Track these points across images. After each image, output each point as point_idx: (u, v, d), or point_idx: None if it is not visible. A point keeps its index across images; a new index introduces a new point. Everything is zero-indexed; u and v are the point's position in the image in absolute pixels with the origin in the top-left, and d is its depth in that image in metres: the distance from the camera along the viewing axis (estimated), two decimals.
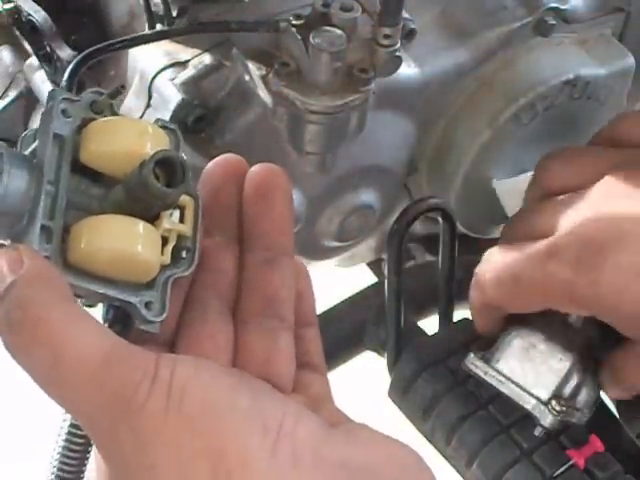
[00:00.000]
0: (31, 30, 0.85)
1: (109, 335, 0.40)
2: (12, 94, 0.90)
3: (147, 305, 0.43)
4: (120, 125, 0.44)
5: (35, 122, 0.91)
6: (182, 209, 0.45)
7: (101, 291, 0.42)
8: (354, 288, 1.03)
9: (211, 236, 0.46)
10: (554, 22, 0.89)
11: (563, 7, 0.90)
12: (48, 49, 0.84)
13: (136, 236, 0.42)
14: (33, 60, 0.87)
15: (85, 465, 0.44)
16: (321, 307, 1.02)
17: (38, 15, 0.84)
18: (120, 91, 0.53)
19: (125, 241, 0.42)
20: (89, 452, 0.44)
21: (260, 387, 0.40)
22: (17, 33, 0.89)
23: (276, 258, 0.46)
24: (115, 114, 0.45)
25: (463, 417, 0.82)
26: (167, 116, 0.79)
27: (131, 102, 0.83)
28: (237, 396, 0.39)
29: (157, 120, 0.46)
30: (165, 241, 0.44)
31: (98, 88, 0.46)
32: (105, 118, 0.44)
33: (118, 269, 0.42)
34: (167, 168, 0.42)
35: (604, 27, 0.94)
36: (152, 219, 0.44)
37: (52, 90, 0.45)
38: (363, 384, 1.33)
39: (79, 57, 0.71)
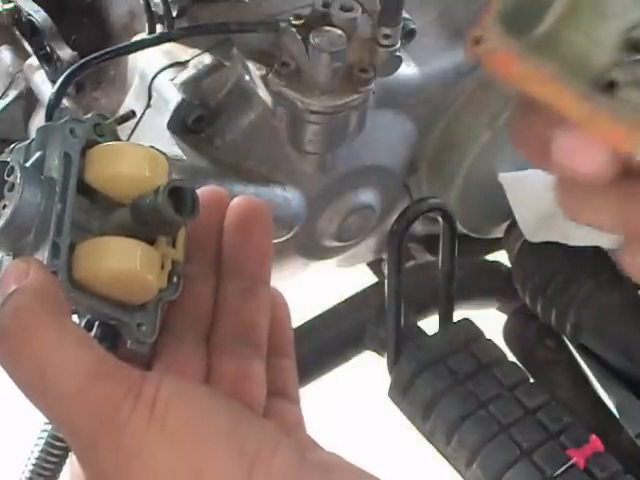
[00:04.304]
0: (31, 30, 0.85)
1: (97, 350, 0.40)
2: (12, 94, 0.90)
3: (138, 326, 0.44)
4: (127, 150, 0.45)
5: (35, 123, 0.91)
6: (174, 235, 0.45)
7: (100, 309, 0.43)
8: (354, 288, 1.03)
9: (190, 263, 0.47)
10: None
11: None
12: (48, 49, 0.84)
13: (141, 258, 0.43)
14: (33, 60, 0.87)
15: (59, 473, 0.44)
16: (321, 307, 1.02)
17: (38, 15, 0.84)
18: (130, 116, 0.53)
19: (130, 262, 0.43)
20: (64, 462, 0.44)
21: (241, 411, 0.41)
22: (17, 33, 0.89)
23: (253, 288, 0.47)
24: (117, 139, 0.46)
25: (463, 417, 0.82)
26: (167, 116, 0.79)
27: (131, 102, 0.83)
28: (218, 418, 0.39)
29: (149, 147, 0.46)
30: (161, 265, 0.44)
31: (102, 112, 0.46)
32: (112, 142, 0.45)
33: (119, 289, 0.43)
34: (175, 196, 0.43)
35: None
36: (149, 243, 0.45)
37: (60, 109, 0.45)
38: (363, 384, 1.33)
39: (65, 74, 0.71)
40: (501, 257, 1.06)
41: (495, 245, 1.05)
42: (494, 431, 0.80)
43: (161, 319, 0.45)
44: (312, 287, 1.11)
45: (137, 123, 0.81)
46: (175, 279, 0.45)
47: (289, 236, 0.86)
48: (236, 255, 0.47)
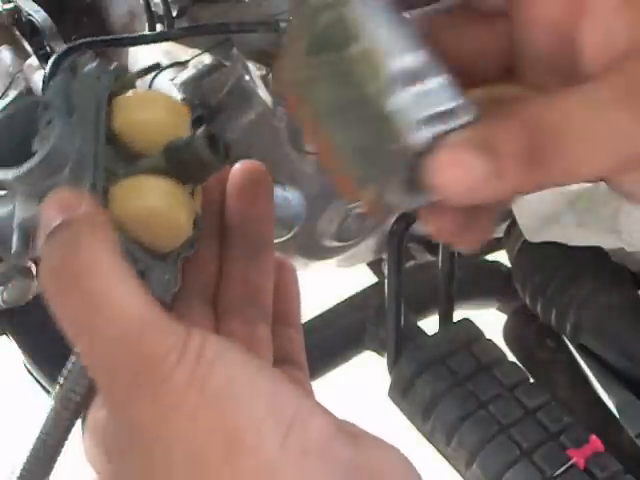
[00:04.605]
0: (31, 30, 0.85)
1: (148, 298, 0.39)
2: (12, 94, 0.90)
3: (163, 275, 0.44)
4: (155, 97, 0.45)
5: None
6: (192, 191, 0.46)
7: (133, 251, 0.42)
8: (354, 288, 1.03)
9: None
10: None
11: None
12: (48, 49, 0.84)
13: (177, 197, 0.43)
14: (33, 60, 0.87)
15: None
16: (321, 307, 1.02)
17: (38, 15, 0.84)
18: (154, 68, 0.54)
19: (167, 201, 0.42)
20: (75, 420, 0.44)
21: (279, 376, 0.40)
22: (17, 33, 0.89)
23: (257, 251, 0.47)
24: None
25: (463, 417, 0.82)
26: None
27: None
28: (259, 380, 0.39)
29: None
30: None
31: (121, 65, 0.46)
32: (139, 90, 0.45)
33: (152, 230, 0.43)
34: (208, 142, 0.43)
35: None
36: None
37: (85, 57, 0.45)
38: (363, 384, 1.33)
39: (57, 54, 0.72)
40: (501, 257, 1.06)
41: (495, 245, 1.05)
42: (494, 431, 0.80)
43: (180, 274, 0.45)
44: (312, 287, 1.11)
45: None
46: (194, 232, 0.45)
47: (289, 236, 0.86)
48: (240, 219, 0.47)
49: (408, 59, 0.40)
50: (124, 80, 0.45)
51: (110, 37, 0.76)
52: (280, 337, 0.46)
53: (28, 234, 0.43)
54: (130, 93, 0.45)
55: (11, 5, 0.87)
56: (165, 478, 0.38)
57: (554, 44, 0.42)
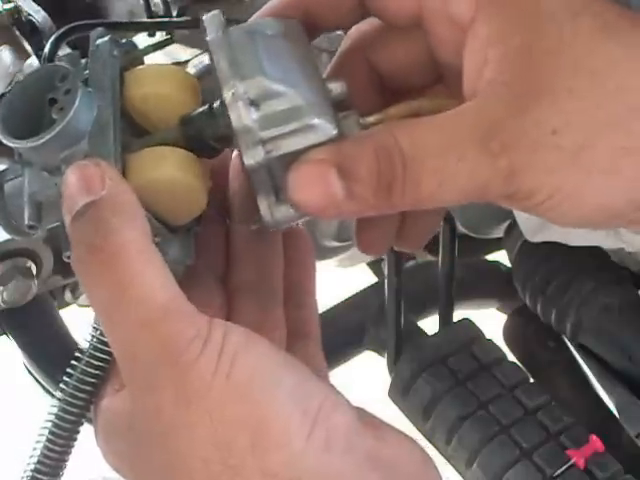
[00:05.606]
0: (31, 30, 0.85)
1: (174, 285, 0.40)
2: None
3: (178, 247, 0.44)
4: (169, 71, 0.45)
5: None
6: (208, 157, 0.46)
7: (151, 222, 0.42)
8: (354, 288, 1.03)
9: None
10: None
11: None
12: None
13: (196, 168, 0.43)
14: (33, 60, 0.87)
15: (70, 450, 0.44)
16: (321, 307, 1.02)
17: (38, 15, 0.84)
18: (169, 42, 0.52)
19: (186, 170, 0.42)
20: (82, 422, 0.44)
21: (303, 369, 0.41)
22: (17, 33, 0.89)
23: (264, 232, 0.47)
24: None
25: (463, 417, 0.82)
26: None
27: None
28: (283, 374, 0.39)
29: None
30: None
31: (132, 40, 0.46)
32: (150, 64, 0.45)
33: (170, 200, 0.42)
34: None
35: None
36: None
37: (98, 31, 0.45)
38: (363, 384, 1.33)
39: (62, 30, 0.72)
40: (501, 257, 1.06)
41: (495, 245, 1.05)
42: (494, 431, 0.80)
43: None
44: None
45: None
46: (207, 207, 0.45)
47: None
48: (244, 201, 0.47)
49: (257, 81, 0.40)
50: (133, 55, 0.45)
51: (109, 21, 0.76)
52: (296, 308, 0.47)
53: (40, 206, 0.43)
54: (142, 67, 0.45)
55: (11, 5, 0.87)
56: (186, 464, 0.38)
57: (456, 57, 0.43)
